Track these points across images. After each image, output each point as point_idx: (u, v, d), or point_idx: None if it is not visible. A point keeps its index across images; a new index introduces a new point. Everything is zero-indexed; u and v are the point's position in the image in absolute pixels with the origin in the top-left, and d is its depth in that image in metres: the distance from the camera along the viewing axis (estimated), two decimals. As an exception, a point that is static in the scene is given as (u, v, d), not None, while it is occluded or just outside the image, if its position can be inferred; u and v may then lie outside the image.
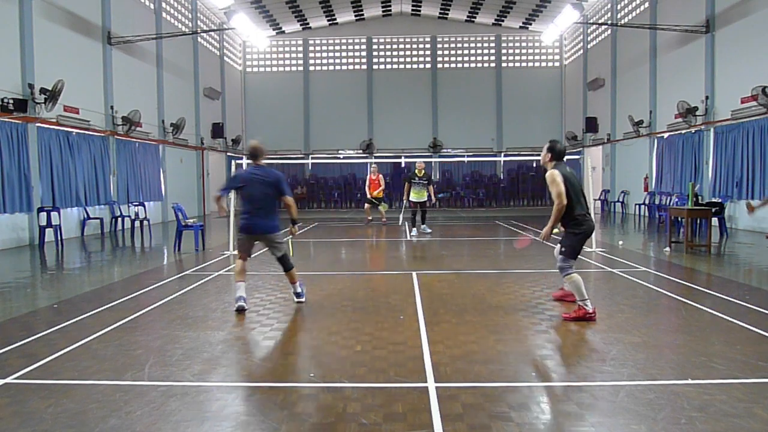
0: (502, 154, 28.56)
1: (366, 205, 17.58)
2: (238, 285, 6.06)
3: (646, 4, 19.92)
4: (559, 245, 5.80)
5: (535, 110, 28.99)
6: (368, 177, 17.35)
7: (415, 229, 14.12)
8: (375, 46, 29.68)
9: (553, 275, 8.04)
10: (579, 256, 9.85)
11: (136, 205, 16.87)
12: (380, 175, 17.35)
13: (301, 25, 28.46)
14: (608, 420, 3.23)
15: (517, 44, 29.48)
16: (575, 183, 5.58)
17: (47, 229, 12.60)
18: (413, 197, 14.09)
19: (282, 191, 6.14)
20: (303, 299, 6.43)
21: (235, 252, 10.81)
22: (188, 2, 22.69)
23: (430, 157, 27.93)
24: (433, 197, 14.31)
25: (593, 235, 10.92)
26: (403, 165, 28.43)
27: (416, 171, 14.06)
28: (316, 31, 29.35)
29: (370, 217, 17.40)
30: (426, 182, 14.10)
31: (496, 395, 3.62)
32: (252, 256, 6.54)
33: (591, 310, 5.45)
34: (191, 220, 11.90)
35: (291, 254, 6.47)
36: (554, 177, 5.44)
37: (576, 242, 5.64)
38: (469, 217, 20.54)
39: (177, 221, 11.44)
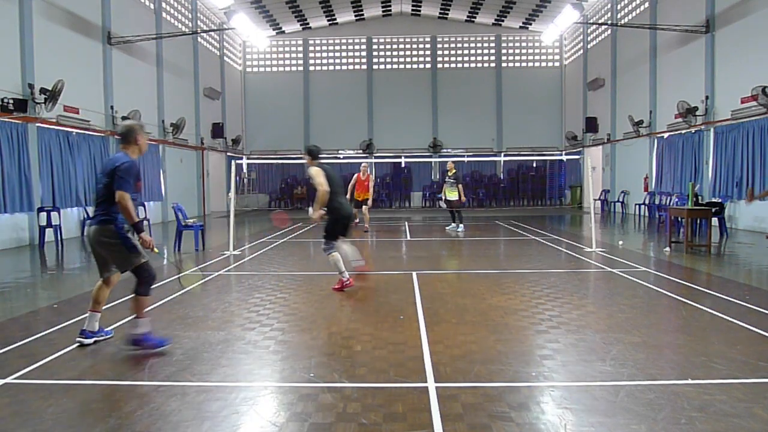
0: (502, 154, 28.57)
1: (354, 210, 15.71)
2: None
3: (646, 4, 19.92)
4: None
5: (535, 110, 29.00)
6: (355, 176, 14.81)
7: (454, 223, 14.87)
8: (375, 46, 29.67)
9: (553, 275, 8.05)
10: (577, 256, 9.94)
11: (135, 205, 16.83)
12: (370, 176, 14.88)
13: (301, 25, 28.46)
14: (608, 420, 3.23)
15: (517, 44, 29.48)
16: (334, 177, 6.95)
17: (47, 229, 12.60)
18: (446, 195, 14.87)
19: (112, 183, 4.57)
20: (138, 346, 4.52)
21: (235, 252, 10.85)
22: (188, 2, 22.69)
23: (430, 157, 27.96)
24: (462, 196, 14.71)
25: (593, 235, 11.06)
26: (403, 165, 28.47)
27: (447, 170, 14.93)
28: (316, 31, 29.35)
29: (366, 225, 14.99)
30: (454, 181, 14.67)
31: (496, 395, 3.62)
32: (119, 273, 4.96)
33: (346, 280, 6.97)
34: (191, 220, 11.90)
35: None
36: (316, 172, 6.79)
37: (332, 226, 7.01)
38: (469, 217, 20.53)
39: (177, 221, 11.44)
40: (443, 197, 14.99)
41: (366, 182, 14.65)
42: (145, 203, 17.42)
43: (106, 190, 4.59)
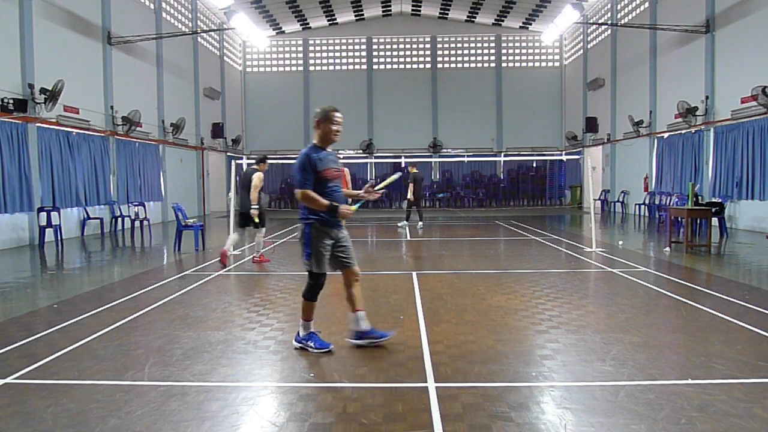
0: (502, 154, 28.56)
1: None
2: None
3: (646, 4, 19.92)
4: None
5: (535, 110, 29.00)
6: None
7: (421, 222, 16.06)
8: (375, 46, 29.67)
9: (553, 275, 8.05)
10: (577, 256, 9.95)
11: (136, 205, 16.88)
12: (346, 170, 12.40)
13: (301, 25, 28.46)
14: (608, 420, 3.22)
15: (517, 44, 29.48)
16: (241, 180, 9.56)
17: (47, 229, 12.60)
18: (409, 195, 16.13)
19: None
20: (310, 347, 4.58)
21: (235, 252, 10.84)
22: (188, 2, 22.69)
23: (430, 157, 27.95)
24: (409, 195, 16.06)
25: (593, 235, 11.06)
26: (403, 165, 28.45)
27: (409, 172, 16.06)
28: (316, 31, 29.35)
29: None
30: (411, 182, 15.88)
31: (496, 395, 3.62)
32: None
33: (226, 253, 9.26)
34: (191, 220, 11.90)
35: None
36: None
37: None
38: (469, 217, 20.53)
39: (177, 221, 11.45)
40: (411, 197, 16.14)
41: (342, 175, 13.33)
42: (145, 203, 17.44)
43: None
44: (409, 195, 15.95)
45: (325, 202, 4.32)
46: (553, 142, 29.16)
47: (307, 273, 4.57)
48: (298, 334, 4.66)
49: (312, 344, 4.55)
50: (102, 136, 15.84)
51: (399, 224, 15.99)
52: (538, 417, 3.30)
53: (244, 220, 9.44)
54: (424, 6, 28.00)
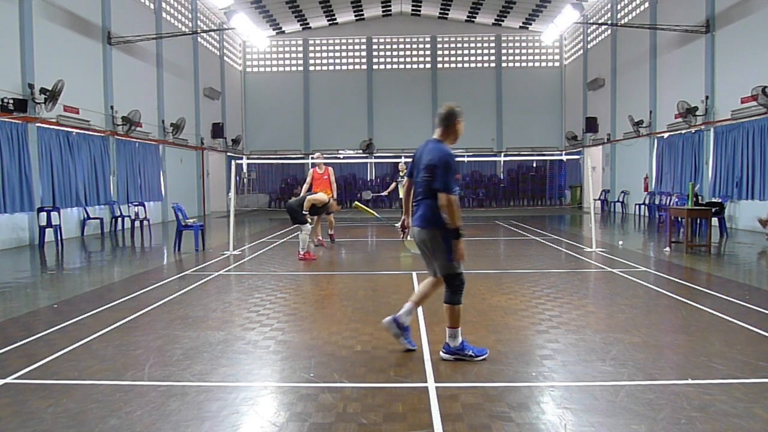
0: (502, 154, 28.56)
1: (314, 218, 11.07)
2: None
3: (646, 4, 19.93)
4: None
5: (535, 110, 29.00)
6: (311, 171, 11.58)
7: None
8: (375, 46, 29.68)
9: (553, 275, 8.05)
10: (577, 256, 9.96)
11: (136, 205, 16.88)
12: (329, 169, 11.60)
13: (301, 25, 28.47)
14: (608, 420, 3.23)
15: (517, 44, 29.48)
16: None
17: (47, 229, 12.60)
18: (399, 193, 15.88)
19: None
20: (459, 353, 4.31)
21: (235, 252, 10.84)
22: (188, 2, 22.69)
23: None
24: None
25: (593, 235, 11.06)
26: (403, 162, 28.49)
27: (399, 171, 16.40)
28: (316, 31, 29.36)
29: (331, 231, 12.36)
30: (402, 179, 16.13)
31: (496, 395, 3.62)
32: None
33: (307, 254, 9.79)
34: (191, 220, 11.90)
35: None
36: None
37: None
38: (469, 217, 20.52)
39: (177, 221, 11.45)
40: (397, 194, 16.14)
41: (325, 176, 11.51)
42: (145, 203, 17.45)
43: (428, 188, 4.21)
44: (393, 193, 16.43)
45: (460, 222, 4.16)
46: (553, 142, 29.16)
47: (444, 277, 4.35)
48: (447, 344, 4.33)
49: (471, 353, 4.27)
50: (102, 136, 15.84)
51: (396, 224, 15.99)
52: (538, 417, 3.30)
53: (293, 217, 10.10)
54: (424, 6, 28.00)
